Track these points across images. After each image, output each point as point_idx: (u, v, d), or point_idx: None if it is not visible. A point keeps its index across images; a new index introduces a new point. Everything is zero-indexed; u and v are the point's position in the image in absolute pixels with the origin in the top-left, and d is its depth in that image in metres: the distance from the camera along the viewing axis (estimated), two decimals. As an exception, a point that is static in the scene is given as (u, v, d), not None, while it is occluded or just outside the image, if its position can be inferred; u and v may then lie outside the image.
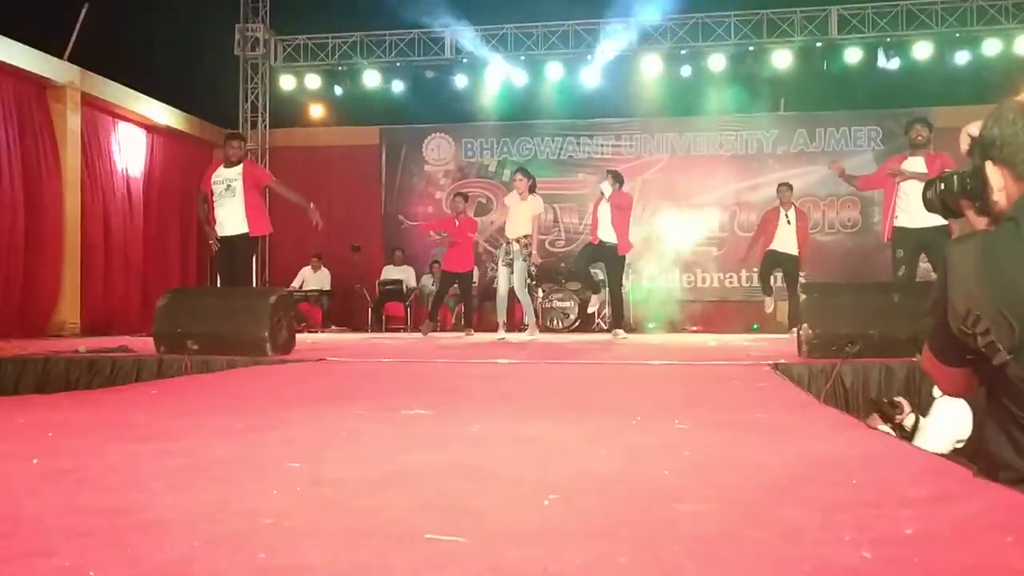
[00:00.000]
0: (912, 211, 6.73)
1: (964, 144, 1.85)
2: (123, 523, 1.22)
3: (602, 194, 8.47)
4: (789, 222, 9.44)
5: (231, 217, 7.22)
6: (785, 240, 9.42)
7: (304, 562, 1.03)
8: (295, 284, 12.68)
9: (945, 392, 1.89)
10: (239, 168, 7.25)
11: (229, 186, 7.21)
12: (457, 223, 10.03)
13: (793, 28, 12.23)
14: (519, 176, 8.70)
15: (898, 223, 6.91)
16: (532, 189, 8.68)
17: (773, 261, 9.54)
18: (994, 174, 1.76)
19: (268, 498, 1.41)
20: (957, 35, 11.85)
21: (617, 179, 8.53)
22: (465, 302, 10.41)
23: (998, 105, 1.77)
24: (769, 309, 9.96)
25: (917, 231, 6.70)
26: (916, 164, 6.91)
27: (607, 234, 8.39)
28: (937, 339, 1.79)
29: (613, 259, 8.52)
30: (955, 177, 1.87)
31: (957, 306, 1.70)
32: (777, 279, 9.85)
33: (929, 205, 1.96)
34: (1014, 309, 1.60)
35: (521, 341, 8.15)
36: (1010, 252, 1.65)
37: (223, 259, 7.36)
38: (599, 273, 9.37)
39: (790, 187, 9.78)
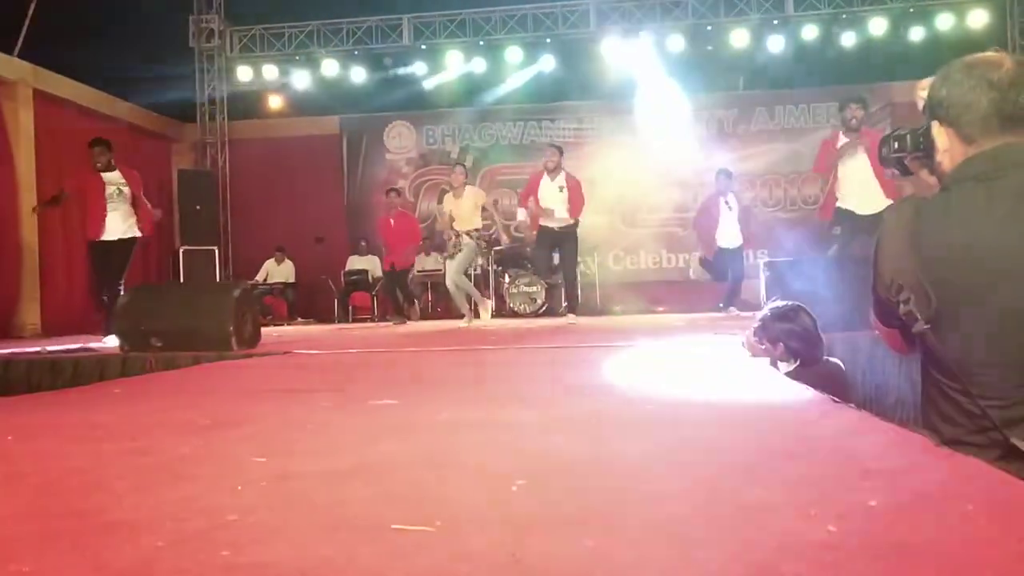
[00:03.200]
0: (851, 195, 7.01)
1: (920, 102, 1.87)
2: (85, 526, 1.20)
3: (551, 171, 8.45)
4: (731, 208, 9.32)
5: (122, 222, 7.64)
6: (729, 231, 9.32)
7: (269, 558, 1.02)
8: (259, 277, 12.57)
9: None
10: (117, 172, 7.67)
11: (120, 191, 7.59)
12: (392, 222, 10.05)
13: (750, 6, 12.30)
14: (459, 170, 8.78)
15: (841, 204, 7.11)
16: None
17: (725, 258, 9.43)
18: (940, 135, 1.77)
19: (233, 494, 1.39)
20: (911, 10, 11.98)
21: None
22: (404, 292, 10.51)
23: (946, 65, 1.78)
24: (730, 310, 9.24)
25: (857, 216, 6.86)
26: (851, 144, 7.03)
27: (564, 214, 8.39)
28: (873, 300, 1.82)
29: (574, 240, 8.53)
30: (908, 135, 1.88)
31: (883, 272, 1.73)
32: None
33: (885, 162, 1.97)
34: (934, 281, 1.62)
35: (483, 327, 8.14)
36: (937, 223, 1.67)
37: (104, 260, 7.67)
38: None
39: (729, 174, 9.60)
